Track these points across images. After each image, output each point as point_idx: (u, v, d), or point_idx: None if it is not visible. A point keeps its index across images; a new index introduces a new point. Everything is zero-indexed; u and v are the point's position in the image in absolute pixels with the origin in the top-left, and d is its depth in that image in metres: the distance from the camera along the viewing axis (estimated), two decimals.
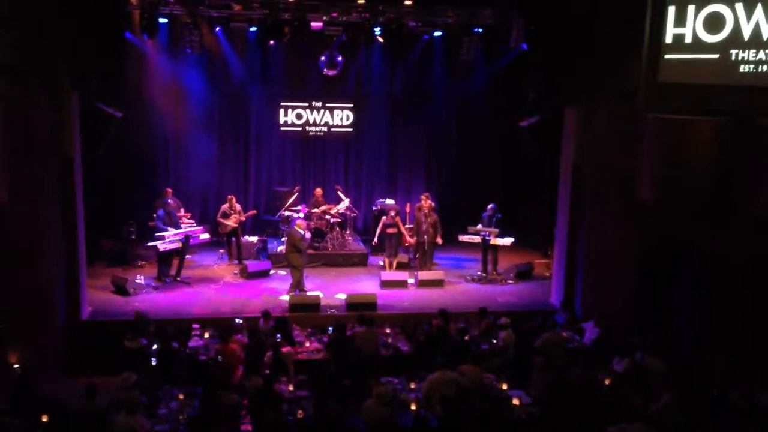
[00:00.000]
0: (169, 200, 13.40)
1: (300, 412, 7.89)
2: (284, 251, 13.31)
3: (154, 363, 9.34)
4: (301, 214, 13.36)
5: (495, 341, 10.26)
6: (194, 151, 16.29)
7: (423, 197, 14.09)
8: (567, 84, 12.00)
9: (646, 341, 9.88)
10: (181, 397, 8.24)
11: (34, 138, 10.04)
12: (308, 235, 12.76)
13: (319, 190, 15.54)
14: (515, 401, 8.27)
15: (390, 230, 14.14)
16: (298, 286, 12.48)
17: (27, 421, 7.49)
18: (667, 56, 10.03)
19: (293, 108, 16.29)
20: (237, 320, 10.58)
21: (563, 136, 12.50)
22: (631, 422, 7.43)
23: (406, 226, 14.54)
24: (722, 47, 9.68)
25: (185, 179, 15.86)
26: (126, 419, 7.14)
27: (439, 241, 13.85)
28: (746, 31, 9.37)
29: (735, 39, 9.58)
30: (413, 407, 8.12)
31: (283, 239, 14.07)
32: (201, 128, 16.16)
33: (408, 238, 14.27)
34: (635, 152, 11.51)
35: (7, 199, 9.82)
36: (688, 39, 9.90)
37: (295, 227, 12.66)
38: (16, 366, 9.72)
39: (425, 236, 13.67)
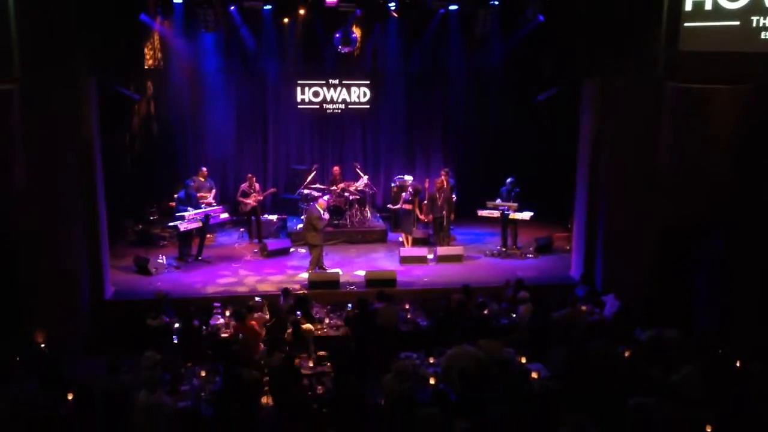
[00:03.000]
0: (190, 182, 13.47)
1: (320, 387, 7.98)
2: (302, 229, 13.36)
3: (175, 341, 9.48)
4: (325, 197, 13.38)
5: (514, 315, 10.28)
6: (212, 132, 16.37)
7: (443, 173, 14.07)
8: (585, 55, 11.84)
9: (667, 314, 9.85)
10: (203, 374, 8.37)
11: (53, 123, 10.11)
12: (326, 215, 12.79)
13: (337, 168, 15.57)
14: (534, 375, 8.28)
15: (407, 206, 14.15)
16: (317, 263, 12.54)
17: (53, 399, 7.66)
18: (687, 24, 9.86)
19: (310, 86, 16.25)
20: (257, 298, 10.68)
21: (581, 108, 12.35)
22: (651, 394, 7.42)
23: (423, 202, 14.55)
24: (743, 14, 9.49)
25: (204, 159, 15.92)
26: (147, 397, 7.26)
27: (452, 217, 13.83)
28: None
29: (756, 5, 9.40)
30: (432, 382, 8.18)
31: (302, 217, 14.13)
32: (219, 108, 16.21)
33: (420, 216, 14.28)
34: (655, 124, 11.35)
35: (27, 184, 9.95)
36: (708, 6, 9.73)
37: (316, 206, 12.69)
38: (42, 346, 9.95)
39: (443, 212, 13.67)
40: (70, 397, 7.65)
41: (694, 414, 7.14)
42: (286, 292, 10.49)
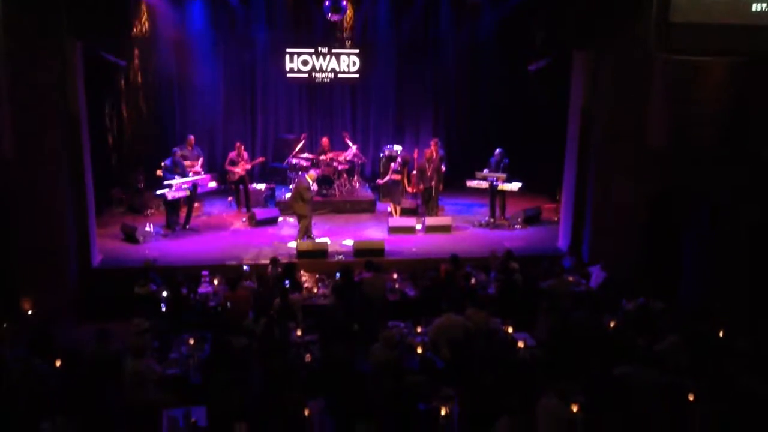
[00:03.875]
0: (176, 150, 13.36)
1: (308, 355, 8.03)
2: (290, 199, 13.34)
3: (164, 309, 9.49)
4: (315, 169, 13.34)
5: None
6: (200, 100, 16.24)
7: (432, 143, 14.05)
8: (576, 26, 11.78)
9: (654, 285, 9.94)
10: (192, 341, 8.38)
11: (38, 90, 10.01)
12: (315, 186, 12.75)
13: (325, 139, 15.48)
14: (520, 344, 8.36)
15: (396, 177, 14.14)
16: (306, 233, 12.54)
17: (42, 365, 7.67)
18: None
19: (299, 54, 16.08)
20: (245, 267, 10.69)
21: (572, 79, 12.32)
22: (635, 364, 7.53)
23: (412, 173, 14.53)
24: None
25: (192, 127, 15.79)
26: (134, 363, 7.29)
27: (440, 187, 13.85)
28: None
29: None
30: (419, 351, 8.24)
31: (291, 187, 14.08)
32: (206, 76, 16.06)
33: (407, 187, 14.28)
34: (645, 96, 11.36)
35: (13, 151, 9.87)
36: None
37: (306, 176, 12.65)
38: (30, 313, 9.94)
39: (431, 182, 13.67)
40: (58, 363, 7.66)
41: (677, 383, 7.24)
42: (274, 261, 10.51)
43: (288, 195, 14.29)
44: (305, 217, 12.51)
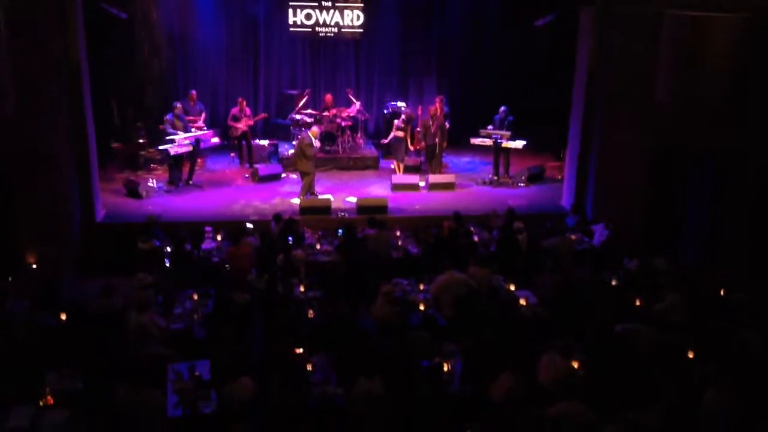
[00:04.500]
0: (177, 104, 13.23)
1: (311, 311, 8.08)
2: (293, 156, 13.28)
3: (167, 265, 9.53)
4: (318, 126, 13.24)
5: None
6: (202, 54, 16.06)
7: (437, 100, 13.92)
8: None
9: (656, 244, 9.95)
10: (196, 297, 8.43)
11: (39, 43, 9.90)
12: (318, 143, 12.68)
13: (329, 95, 15.33)
14: (522, 302, 8.41)
15: (399, 134, 14.05)
16: (309, 190, 12.51)
17: (48, 318, 7.75)
18: None
19: (302, 8, 15.82)
20: (248, 224, 10.69)
21: (578, 35, 12.14)
22: (636, 321, 7.58)
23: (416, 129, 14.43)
24: None
25: (194, 82, 15.65)
26: (137, 317, 7.34)
27: (444, 145, 13.78)
28: None
29: None
30: (421, 307, 8.29)
31: (294, 143, 14.01)
32: (209, 30, 15.85)
33: (410, 145, 14.20)
34: (651, 52, 11.22)
35: (15, 107, 9.81)
36: None
37: (309, 133, 12.57)
38: (33, 267, 10.00)
39: (435, 139, 13.58)
40: (63, 317, 7.73)
41: (677, 340, 7.30)
42: (277, 217, 10.50)
43: (291, 151, 14.22)
44: (308, 174, 12.47)
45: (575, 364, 6.74)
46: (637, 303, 8.29)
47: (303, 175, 12.57)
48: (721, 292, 8.73)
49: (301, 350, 7.05)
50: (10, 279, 9.18)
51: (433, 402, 6.39)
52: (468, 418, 6.14)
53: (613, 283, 9.02)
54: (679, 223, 12.03)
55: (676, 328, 7.64)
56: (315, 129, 12.76)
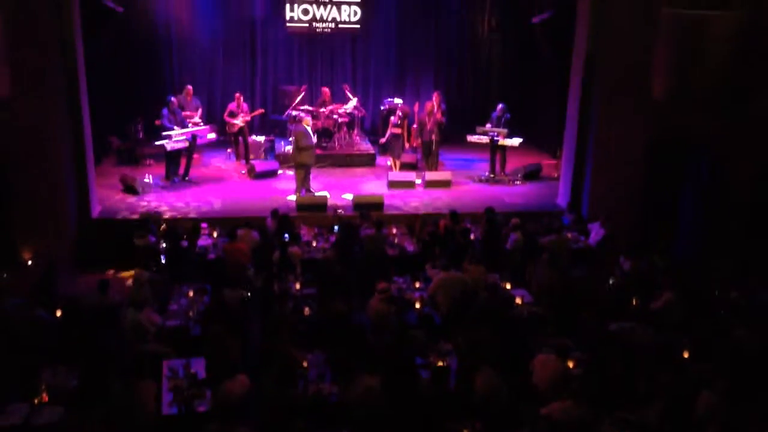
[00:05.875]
0: (172, 98, 13.17)
1: (306, 309, 8.07)
2: (291, 151, 13.24)
3: (163, 261, 9.51)
4: (308, 119, 13.20)
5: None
6: (199, 49, 16.02)
7: (434, 96, 13.90)
8: None
9: (651, 243, 9.95)
10: (191, 293, 8.43)
11: (36, 32, 9.86)
12: (314, 135, 12.62)
13: (326, 90, 15.31)
14: (518, 300, 8.42)
15: (396, 130, 14.03)
16: (303, 185, 12.47)
17: (43, 313, 7.72)
18: None
19: (299, 3, 15.80)
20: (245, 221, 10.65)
21: (576, 30, 12.12)
22: (631, 320, 7.60)
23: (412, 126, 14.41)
24: None
25: (191, 77, 15.61)
26: (134, 314, 7.33)
27: (436, 138, 13.77)
28: None
29: None
30: (417, 305, 8.29)
31: (290, 139, 13.99)
32: (206, 25, 15.81)
33: (406, 142, 14.18)
34: (649, 46, 11.24)
35: (9, 93, 9.75)
36: None
37: (303, 123, 12.54)
38: (29, 262, 9.97)
39: (431, 136, 13.56)
40: (59, 313, 7.71)
41: (672, 339, 7.32)
42: (274, 213, 10.48)
43: (288, 148, 14.19)
44: (301, 168, 12.39)
45: (571, 364, 6.75)
46: (633, 302, 8.30)
47: (296, 168, 12.49)
48: (716, 292, 8.75)
49: (296, 347, 7.04)
50: (5, 275, 9.15)
51: (429, 399, 6.39)
52: (463, 416, 6.15)
53: (610, 281, 9.03)
54: (674, 221, 12.05)
55: (672, 326, 7.65)
56: (307, 118, 12.73)
